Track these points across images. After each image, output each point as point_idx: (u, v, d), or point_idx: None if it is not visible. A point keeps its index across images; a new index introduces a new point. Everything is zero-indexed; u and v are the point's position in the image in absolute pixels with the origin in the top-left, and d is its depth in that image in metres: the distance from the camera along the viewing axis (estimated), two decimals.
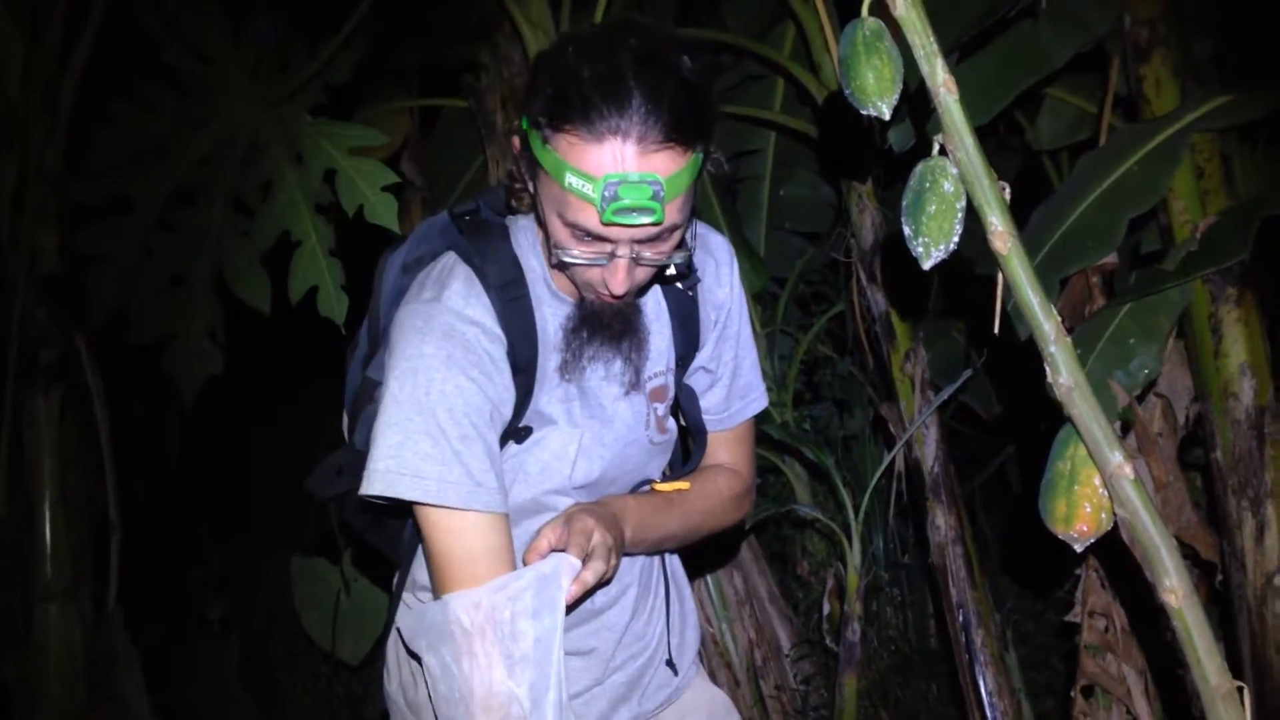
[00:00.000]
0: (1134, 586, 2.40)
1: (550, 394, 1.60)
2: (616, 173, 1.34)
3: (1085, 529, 1.22)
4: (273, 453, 5.35)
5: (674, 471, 1.84)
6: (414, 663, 1.76)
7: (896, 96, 1.17)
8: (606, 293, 1.49)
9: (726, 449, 1.85)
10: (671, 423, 1.76)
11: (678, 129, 1.35)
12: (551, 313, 1.59)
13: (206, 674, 4.18)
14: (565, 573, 1.41)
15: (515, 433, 1.59)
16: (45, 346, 3.16)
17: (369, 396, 1.65)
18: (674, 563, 1.92)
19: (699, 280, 1.69)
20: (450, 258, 1.58)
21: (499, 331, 1.53)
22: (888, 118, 1.17)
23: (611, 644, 1.75)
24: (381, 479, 1.45)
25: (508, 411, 1.55)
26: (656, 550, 1.80)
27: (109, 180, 2.76)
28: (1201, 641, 1.20)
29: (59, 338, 3.18)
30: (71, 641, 3.18)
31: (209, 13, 2.73)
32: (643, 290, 1.60)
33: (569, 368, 1.58)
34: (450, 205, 3.55)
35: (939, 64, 1.14)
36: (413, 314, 1.52)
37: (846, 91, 1.18)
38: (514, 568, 1.51)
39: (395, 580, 1.79)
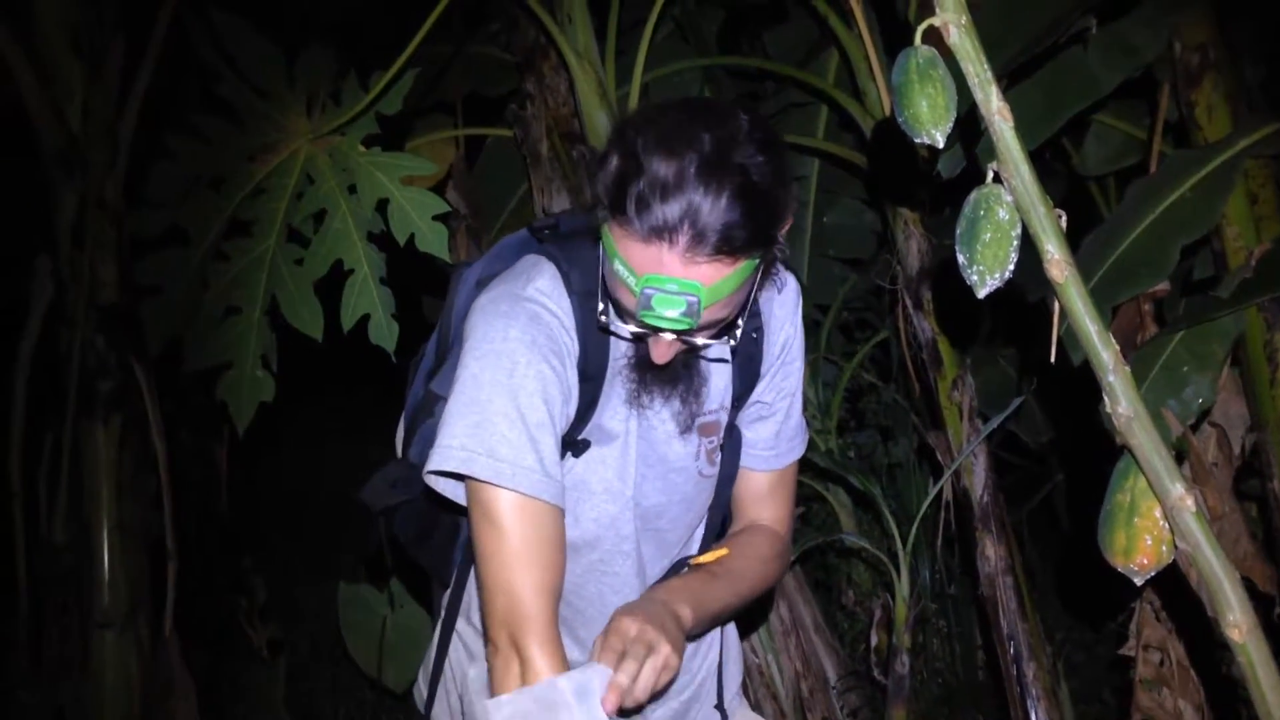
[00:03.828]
0: (1190, 619, 2.36)
1: (615, 410, 1.60)
2: (657, 276, 1.33)
3: (1146, 562, 1.21)
4: (319, 479, 5.40)
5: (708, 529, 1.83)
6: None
7: (950, 124, 1.17)
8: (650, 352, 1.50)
9: (770, 498, 1.81)
10: (720, 457, 1.75)
11: (728, 241, 1.32)
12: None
13: (254, 700, 4.20)
14: (598, 682, 1.38)
15: (574, 445, 1.58)
16: (104, 376, 3.20)
17: (429, 410, 1.65)
18: None
19: (762, 326, 1.68)
20: (534, 257, 1.59)
21: (575, 334, 1.53)
22: (941, 145, 1.17)
23: None
24: (456, 456, 1.44)
25: (572, 411, 1.55)
26: (714, 626, 1.77)
27: (166, 211, 2.80)
28: (1266, 677, 1.18)
29: (118, 367, 3.22)
30: (128, 668, 3.20)
31: (265, 47, 2.78)
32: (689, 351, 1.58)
33: (632, 398, 1.58)
34: (494, 233, 3.62)
35: (993, 91, 1.14)
36: (496, 299, 1.53)
37: (900, 119, 1.18)
38: (563, 567, 1.49)
39: (445, 602, 1.79)
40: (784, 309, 1.70)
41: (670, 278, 1.33)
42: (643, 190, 1.31)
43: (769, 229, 1.37)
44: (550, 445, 1.47)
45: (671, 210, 1.30)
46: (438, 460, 1.45)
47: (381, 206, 2.62)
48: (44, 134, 3.20)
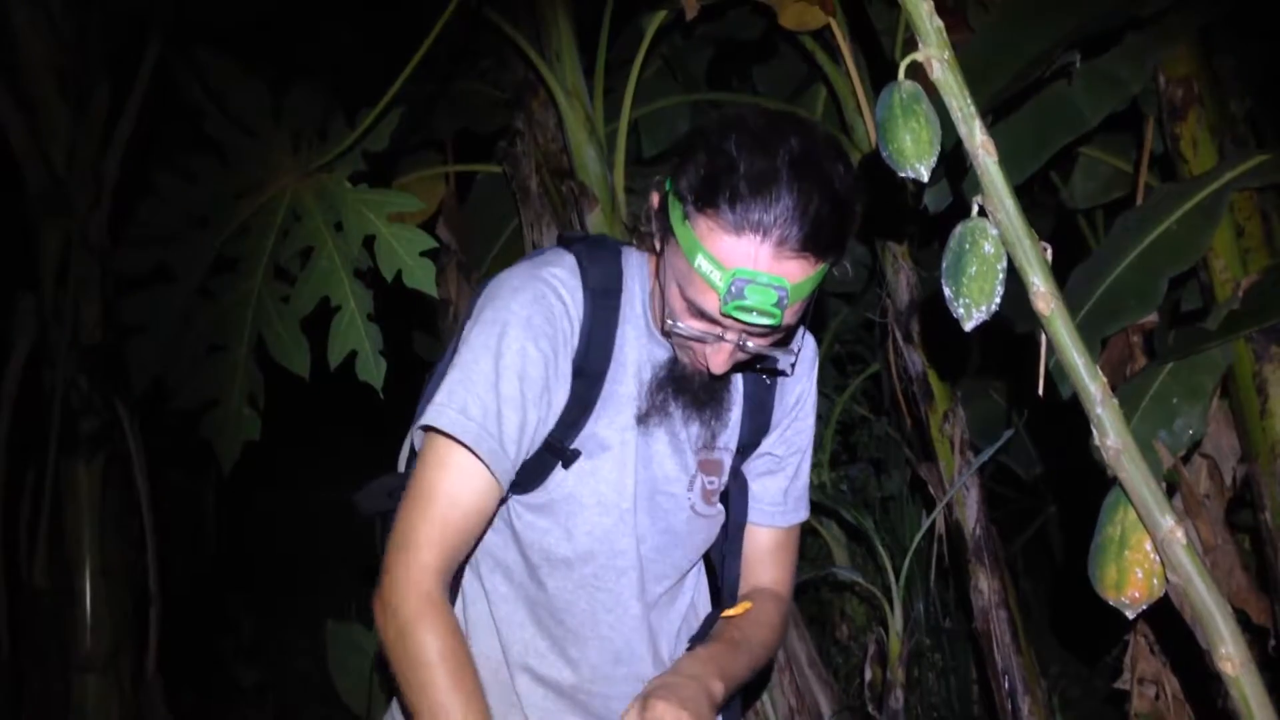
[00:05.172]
0: (1185, 652, 2.34)
1: (611, 421, 1.59)
2: (747, 269, 1.36)
3: (1137, 595, 1.20)
4: (310, 518, 5.36)
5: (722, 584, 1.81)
6: None
7: (934, 159, 1.17)
8: (704, 365, 1.52)
9: (773, 558, 1.80)
10: (720, 506, 1.74)
11: (815, 239, 1.36)
12: (635, 336, 1.60)
13: None
14: None
15: (563, 454, 1.57)
16: (87, 416, 3.18)
17: None
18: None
19: (785, 374, 1.69)
20: (558, 250, 1.62)
21: (578, 327, 1.55)
22: (926, 180, 1.17)
23: None
24: (433, 409, 1.48)
25: (558, 403, 1.55)
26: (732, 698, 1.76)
27: (151, 250, 2.79)
28: (1260, 711, 1.17)
29: (101, 407, 3.20)
30: (110, 712, 3.16)
31: (251, 85, 2.78)
32: (737, 368, 1.60)
33: (646, 420, 1.59)
34: (484, 269, 3.61)
35: (977, 126, 1.14)
36: (511, 274, 1.57)
37: (884, 154, 1.19)
38: (468, 546, 1.50)
39: None
40: (801, 365, 1.70)
41: (760, 271, 1.36)
42: (737, 185, 1.34)
43: (845, 236, 1.42)
44: (513, 423, 1.48)
45: (766, 204, 1.34)
46: (422, 415, 1.49)
47: (369, 243, 2.62)
48: (29, 174, 3.21)
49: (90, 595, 3.16)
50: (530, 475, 1.58)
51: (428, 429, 1.50)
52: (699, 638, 1.72)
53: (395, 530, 1.48)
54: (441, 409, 1.47)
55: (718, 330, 1.46)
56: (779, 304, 1.37)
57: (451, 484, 1.47)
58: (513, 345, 1.48)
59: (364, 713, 3.52)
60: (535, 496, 1.60)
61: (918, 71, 1.16)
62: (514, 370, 1.48)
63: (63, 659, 3.18)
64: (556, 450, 1.57)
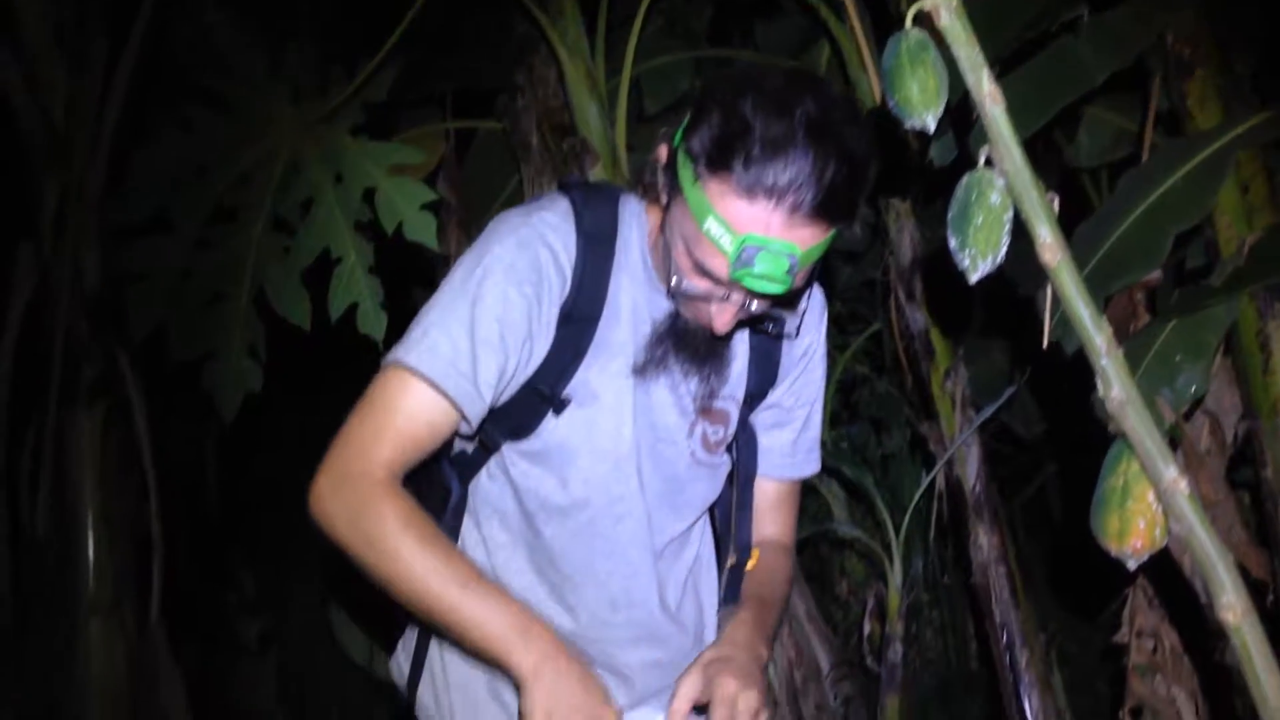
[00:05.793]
0: (1183, 606, 2.36)
1: (604, 368, 1.58)
2: (758, 236, 1.34)
3: (1139, 545, 1.20)
4: (308, 470, 5.36)
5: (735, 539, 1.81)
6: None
7: (941, 108, 1.16)
8: (707, 321, 1.50)
9: (777, 511, 1.82)
10: (725, 456, 1.74)
11: (830, 205, 1.33)
12: (630, 283, 1.58)
13: (244, 694, 4.18)
14: None
15: (554, 401, 1.56)
16: (87, 363, 3.18)
17: None
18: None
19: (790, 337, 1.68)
20: (554, 195, 1.60)
21: (569, 272, 1.53)
22: (933, 130, 1.16)
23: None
24: (400, 346, 1.46)
25: (541, 350, 1.53)
26: None
27: (150, 198, 2.78)
28: (1261, 660, 1.17)
29: (101, 354, 3.20)
30: (114, 656, 3.19)
31: (250, 38, 2.76)
32: (741, 325, 1.60)
33: (643, 371, 1.58)
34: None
35: (985, 74, 1.13)
36: (502, 219, 1.55)
37: (890, 104, 1.17)
38: (418, 459, 1.48)
39: None
40: (810, 316, 1.70)
41: (771, 238, 1.34)
42: (751, 148, 1.32)
43: (859, 201, 1.39)
44: (490, 365, 1.46)
45: (781, 169, 1.31)
46: (393, 351, 1.47)
47: (369, 196, 2.60)
48: (27, 127, 3.19)
49: (93, 542, 3.17)
50: (522, 422, 1.58)
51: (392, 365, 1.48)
52: (730, 596, 1.74)
53: (339, 435, 1.46)
54: (410, 346, 1.45)
55: (723, 291, 1.44)
56: (789, 271, 1.36)
57: (409, 403, 1.45)
58: (494, 290, 1.46)
59: (367, 663, 3.55)
60: (529, 444, 1.60)
61: (924, 22, 1.15)
62: (492, 314, 1.46)
63: (66, 605, 3.20)
64: (547, 397, 1.56)
